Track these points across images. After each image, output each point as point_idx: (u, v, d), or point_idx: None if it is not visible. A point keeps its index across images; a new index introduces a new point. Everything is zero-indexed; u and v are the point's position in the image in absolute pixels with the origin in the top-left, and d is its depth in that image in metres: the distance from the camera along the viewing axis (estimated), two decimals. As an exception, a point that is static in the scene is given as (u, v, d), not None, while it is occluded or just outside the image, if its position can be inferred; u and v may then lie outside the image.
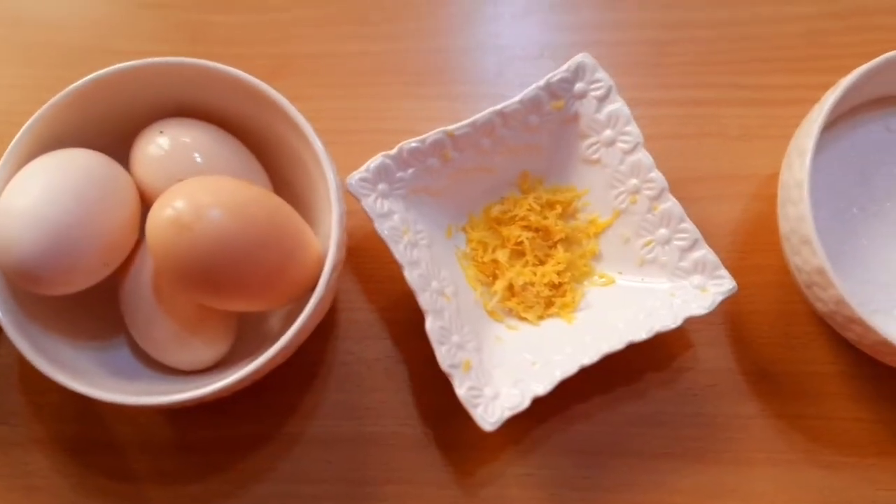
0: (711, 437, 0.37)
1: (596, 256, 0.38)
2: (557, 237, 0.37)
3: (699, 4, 0.44)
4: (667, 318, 0.34)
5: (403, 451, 0.37)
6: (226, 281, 0.30)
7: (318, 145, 0.32)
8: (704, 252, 0.34)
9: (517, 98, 0.36)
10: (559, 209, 0.38)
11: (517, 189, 0.39)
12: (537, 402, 0.36)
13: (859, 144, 0.37)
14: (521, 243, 0.37)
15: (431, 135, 0.35)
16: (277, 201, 0.32)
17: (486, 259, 0.37)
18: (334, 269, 0.31)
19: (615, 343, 0.33)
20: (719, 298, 0.34)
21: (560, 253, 0.37)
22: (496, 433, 0.36)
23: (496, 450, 0.37)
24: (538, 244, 0.37)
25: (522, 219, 0.37)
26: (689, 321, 0.36)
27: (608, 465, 0.37)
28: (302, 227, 0.32)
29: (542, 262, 0.37)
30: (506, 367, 0.34)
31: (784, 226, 0.33)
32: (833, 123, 0.37)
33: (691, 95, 0.42)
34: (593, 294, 0.37)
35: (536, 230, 0.37)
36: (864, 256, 0.36)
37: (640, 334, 0.33)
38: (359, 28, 0.44)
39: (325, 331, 0.38)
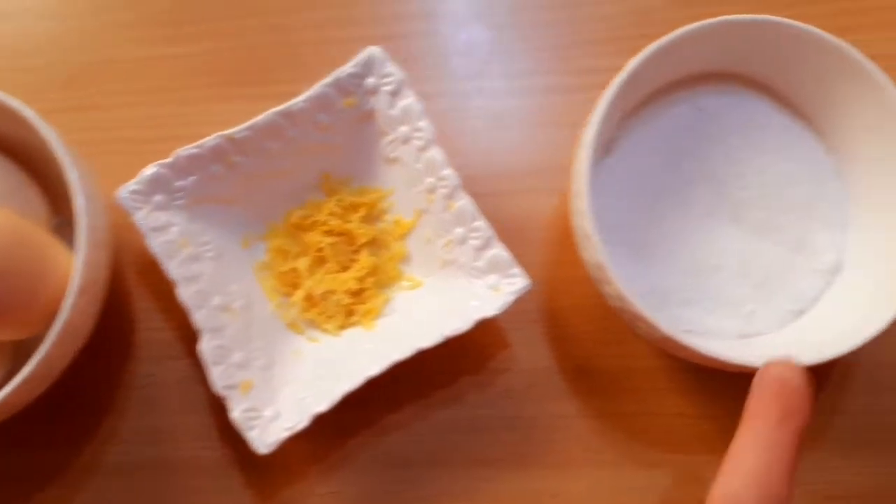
0: (531, 440, 0.35)
1: (404, 259, 0.36)
2: (362, 241, 0.35)
3: None
4: (458, 322, 0.32)
5: (205, 476, 0.35)
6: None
7: (62, 155, 0.30)
8: (497, 250, 0.33)
9: (303, 97, 0.34)
10: (363, 212, 0.36)
11: (321, 192, 0.37)
12: (346, 415, 0.34)
13: (668, 126, 0.35)
14: (322, 250, 0.35)
15: (210, 140, 0.33)
16: (15, 222, 0.30)
17: (285, 268, 0.35)
18: (81, 291, 0.29)
19: (405, 351, 0.32)
20: (511, 298, 0.32)
21: (364, 258, 0.35)
22: (301, 451, 0.35)
23: (302, 469, 0.35)
24: (342, 249, 0.35)
25: (324, 224, 0.35)
26: (508, 319, 0.35)
27: (422, 477, 0.35)
28: (51, 249, 0.30)
29: (346, 269, 0.35)
30: (296, 383, 0.32)
31: (573, 220, 0.32)
32: (643, 105, 0.35)
33: (494, 86, 0.40)
34: (401, 299, 0.35)
35: (340, 235, 0.35)
36: (672, 243, 0.34)
37: (429, 340, 0.32)
38: (163, 31, 0.41)
39: (122, 352, 0.36)
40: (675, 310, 0.33)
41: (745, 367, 0.28)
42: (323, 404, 0.31)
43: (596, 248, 0.29)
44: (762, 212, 0.34)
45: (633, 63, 0.31)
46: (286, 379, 0.33)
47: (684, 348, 0.29)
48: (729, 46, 0.33)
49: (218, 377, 0.31)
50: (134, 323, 0.37)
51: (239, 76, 0.40)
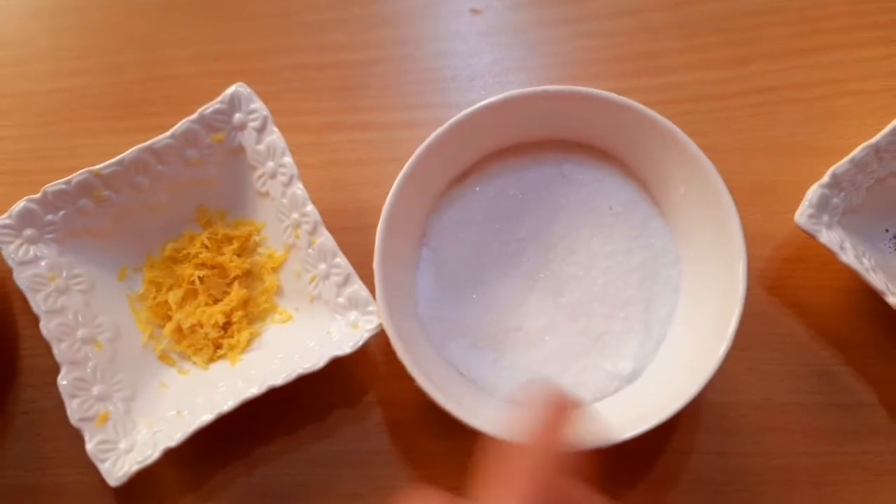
0: (400, 475, 0.35)
1: (277, 292, 0.36)
2: (234, 274, 0.36)
3: (357, 27, 0.42)
4: (312, 359, 0.32)
5: (81, 501, 0.35)
6: None
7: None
8: (356, 287, 0.33)
9: (168, 133, 0.34)
10: (236, 244, 0.36)
11: (198, 225, 0.37)
12: (220, 446, 0.35)
13: (525, 183, 0.35)
14: (194, 282, 0.36)
15: (77, 175, 0.34)
16: None
17: (158, 300, 0.36)
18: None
19: (256, 388, 0.32)
20: (366, 336, 0.32)
21: (236, 290, 0.36)
22: (175, 479, 0.35)
23: (175, 497, 0.35)
24: (215, 282, 0.36)
25: (195, 256, 0.36)
26: (383, 353, 0.35)
27: (293, 509, 0.35)
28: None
29: (219, 301, 0.36)
30: (155, 416, 0.33)
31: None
32: (505, 154, 0.35)
33: (348, 120, 0.40)
34: (271, 332, 0.35)
35: (213, 267, 0.36)
36: (487, 289, 0.34)
37: (282, 378, 0.32)
38: (45, 65, 0.42)
39: (6, 378, 0.37)
40: (460, 349, 0.33)
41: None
42: (175, 439, 0.31)
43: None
44: (579, 294, 0.34)
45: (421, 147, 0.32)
46: (147, 411, 0.33)
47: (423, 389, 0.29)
48: (551, 116, 0.34)
49: (74, 410, 0.32)
50: (18, 350, 0.37)
51: (122, 110, 0.41)
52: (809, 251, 0.36)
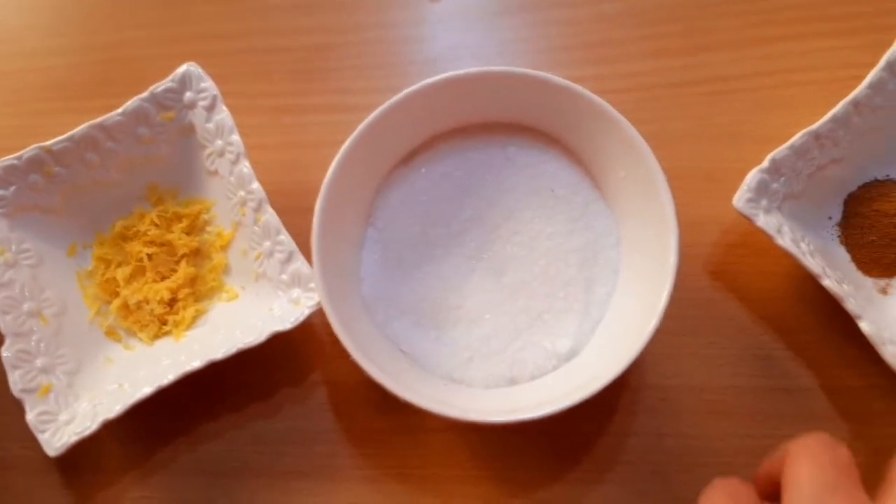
0: (343, 453, 0.36)
1: (225, 270, 0.37)
2: (182, 252, 0.36)
3: (316, 11, 0.43)
4: (253, 335, 0.32)
5: (27, 476, 0.36)
6: None
7: None
8: (299, 264, 0.33)
9: (119, 110, 0.35)
10: (186, 223, 0.37)
11: (149, 203, 0.38)
12: (164, 422, 0.36)
13: (470, 165, 0.35)
14: (142, 260, 0.36)
15: (27, 151, 0.35)
16: None
17: (106, 277, 0.36)
18: None
19: (196, 362, 0.32)
20: (307, 312, 0.32)
21: (183, 268, 0.36)
22: (118, 455, 0.36)
23: (119, 473, 0.36)
24: (164, 260, 0.36)
25: (144, 234, 0.36)
26: (328, 332, 0.35)
27: (236, 486, 0.35)
28: None
29: (166, 279, 0.36)
30: (97, 390, 0.33)
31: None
32: (449, 137, 0.36)
33: (303, 103, 0.40)
34: (218, 310, 0.36)
35: (161, 245, 0.36)
36: (430, 268, 0.34)
37: (223, 352, 0.32)
38: (4, 47, 0.43)
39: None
40: (402, 327, 0.34)
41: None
42: (114, 411, 0.32)
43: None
44: (521, 274, 0.34)
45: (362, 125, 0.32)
46: (90, 385, 0.33)
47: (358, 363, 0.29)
48: (496, 98, 0.34)
49: (16, 381, 0.32)
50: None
51: (82, 90, 0.42)
52: (753, 237, 0.36)
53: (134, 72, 0.41)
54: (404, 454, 0.36)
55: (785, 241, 0.32)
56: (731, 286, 0.37)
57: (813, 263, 0.32)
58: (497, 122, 0.35)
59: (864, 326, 0.30)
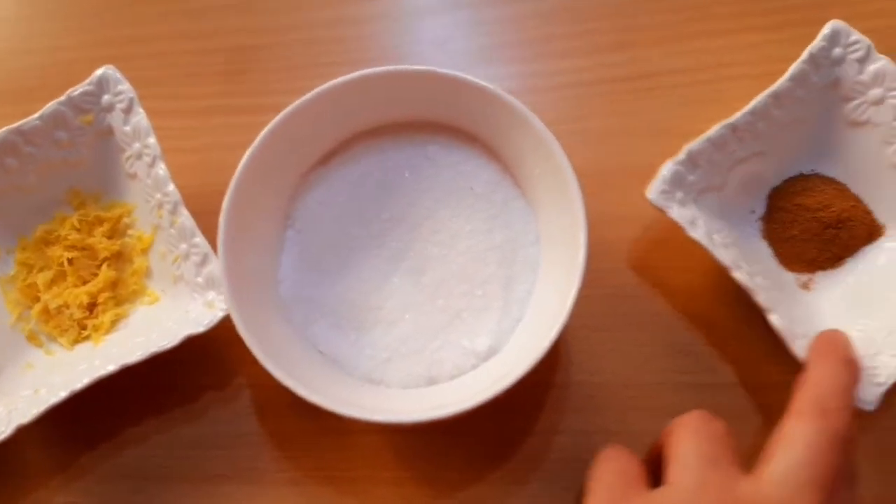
0: (268, 456, 0.35)
1: (148, 274, 0.36)
2: (104, 256, 0.36)
3: (243, 13, 0.42)
4: (168, 338, 0.32)
5: (-52, 483, 0.36)
6: None
7: None
8: (213, 266, 0.33)
9: (36, 115, 0.35)
10: (107, 227, 0.36)
11: (70, 207, 0.37)
12: (89, 427, 0.35)
13: (388, 165, 0.35)
14: (63, 264, 0.36)
15: (-58, 157, 0.35)
16: None
17: (28, 282, 0.36)
18: None
19: (111, 366, 0.32)
20: (220, 314, 0.32)
21: (104, 272, 0.36)
22: (42, 460, 0.35)
23: (43, 478, 0.35)
24: (85, 264, 0.36)
25: (65, 238, 0.36)
26: None
27: (161, 490, 0.35)
28: None
29: (88, 283, 0.36)
30: (14, 395, 0.33)
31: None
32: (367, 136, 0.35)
33: (232, 104, 0.40)
34: (139, 314, 0.36)
35: (83, 249, 0.36)
36: (366, 279, 0.34)
37: (136, 356, 0.32)
38: None
39: None
40: (321, 329, 0.33)
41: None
42: (28, 415, 0.31)
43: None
44: (440, 273, 0.34)
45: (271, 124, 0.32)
46: (8, 390, 0.33)
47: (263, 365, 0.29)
48: (412, 98, 0.34)
49: (-72, 388, 0.32)
50: None
51: (7, 96, 0.42)
52: (674, 232, 0.36)
53: (60, 76, 0.41)
54: (329, 457, 0.36)
55: (698, 233, 0.32)
56: (654, 282, 0.36)
57: (725, 256, 0.31)
58: (416, 121, 0.35)
59: (775, 320, 0.30)
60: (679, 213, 0.32)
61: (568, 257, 0.31)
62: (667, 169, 0.33)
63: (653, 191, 0.33)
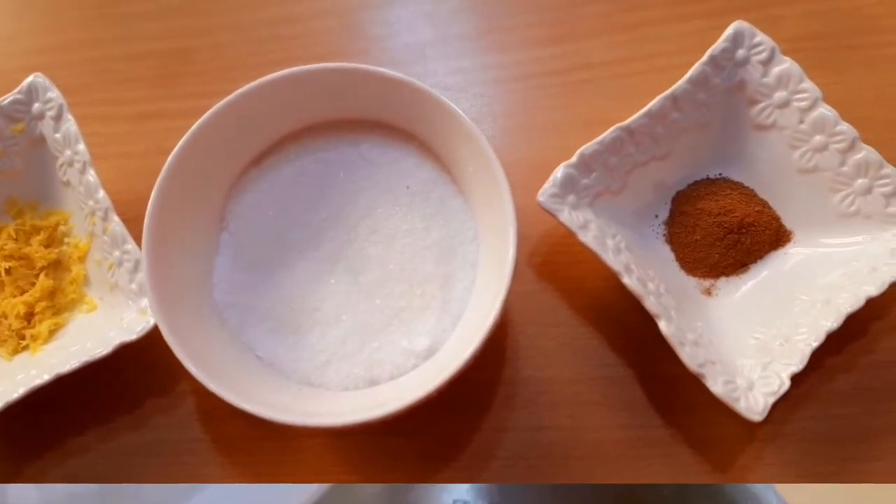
0: (213, 462, 0.35)
1: (86, 282, 0.36)
2: (41, 265, 0.36)
3: (178, 16, 0.42)
4: (101, 346, 0.32)
5: None
6: None
7: None
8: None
9: (-35, 125, 0.35)
10: (44, 235, 0.36)
11: (8, 216, 0.37)
12: (31, 437, 0.35)
13: (321, 167, 0.35)
14: (0, 274, 0.35)
15: None
16: None
17: (-35, 293, 0.36)
18: None
19: (46, 376, 0.31)
20: (153, 321, 0.32)
21: (41, 281, 0.35)
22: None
23: (-14, 489, 0.35)
24: (23, 273, 0.36)
25: (2, 248, 0.36)
26: None
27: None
28: None
29: (27, 292, 0.36)
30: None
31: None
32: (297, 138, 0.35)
33: (167, 108, 0.40)
34: (77, 322, 0.35)
35: (20, 259, 0.36)
36: (303, 281, 0.34)
37: (70, 366, 0.31)
38: None
39: None
40: (258, 333, 0.33)
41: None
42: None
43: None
44: (378, 273, 0.33)
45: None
46: (-54, 404, 0.33)
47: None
48: (342, 96, 0.33)
49: None
50: None
51: None
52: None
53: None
54: (275, 461, 0.35)
55: (588, 237, 0.31)
56: (599, 276, 0.36)
57: (614, 261, 0.31)
58: (349, 120, 0.35)
59: (663, 326, 0.30)
60: (569, 216, 0.32)
61: (502, 254, 0.31)
62: (558, 171, 0.32)
63: (543, 193, 0.32)
